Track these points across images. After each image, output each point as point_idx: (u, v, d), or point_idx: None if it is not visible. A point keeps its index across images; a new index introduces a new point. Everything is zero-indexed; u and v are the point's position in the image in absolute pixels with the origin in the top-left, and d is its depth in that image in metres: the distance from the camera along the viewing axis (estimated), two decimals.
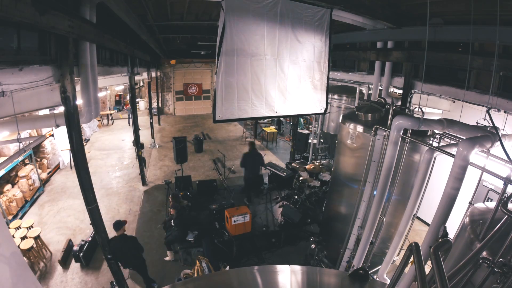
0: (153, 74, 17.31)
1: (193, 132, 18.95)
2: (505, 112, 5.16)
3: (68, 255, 7.14)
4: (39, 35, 4.04)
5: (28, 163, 9.88)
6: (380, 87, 8.70)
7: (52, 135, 11.86)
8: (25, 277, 3.74)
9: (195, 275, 5.92)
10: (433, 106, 7.91)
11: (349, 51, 10.03)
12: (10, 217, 8.10)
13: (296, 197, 9.61)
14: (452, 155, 3.56)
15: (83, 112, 5.24)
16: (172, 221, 7.52)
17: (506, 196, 2.95)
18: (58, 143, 12.23)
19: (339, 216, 6.59)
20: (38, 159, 10.92)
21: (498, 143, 3.87)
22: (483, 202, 4.06)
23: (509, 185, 3.17)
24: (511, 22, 4.59)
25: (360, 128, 5.65)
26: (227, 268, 6.73)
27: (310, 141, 13.14)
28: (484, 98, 5.31)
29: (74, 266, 7.00)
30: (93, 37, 4.85)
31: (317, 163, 11.68)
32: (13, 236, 6.46)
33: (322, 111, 7.49)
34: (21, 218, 8.43)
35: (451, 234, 3.81)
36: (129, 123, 19.64)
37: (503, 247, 2.53)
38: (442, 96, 6.72)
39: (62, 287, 6.40)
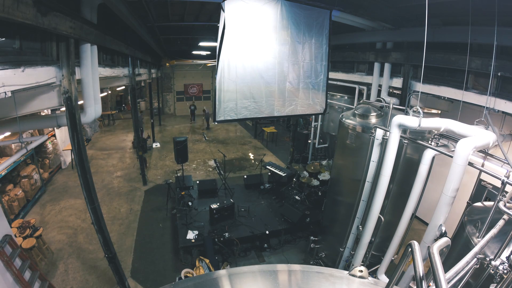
0: (153, 75, 17.33)
1: (194, 132, 18.99)
2: (503, 112, 5.18)
3: None
4: (41, 36, 4.07)
5: (30, 163, 9.91)
6: (379, 88, 8.72)
7: (54, 135, 11.89)
8: None
9: (196, 275, 5.96)
10: (431, 106, 7.95)
11: (349, 51, 10.06)
12: (12, 217, 8.13)
13: (296, 196, 9.65)
14: (451, 155, 3.58)
15: (84, 112, 5.28)
16: None
17: (505, 196, 2.98)
18: (59, 143, 12.27)
19: (338, 216, 6.62)
20: (40, 159, 10.95)
21: (496, 143, 3.90)
22: (482, 202, 4.09)
23: (507, 185, 3.19)
24: (509, 23, 4.61)
25: (359, 128, 5.68)
26: (228, 267, 6.77)
27: (309, 141, 13.16)
28: (482, 99, 5.34)
29: (76, 265, 7.03)
30: (94, 38, 4.88)
31: (317, 163, 11.71)
32: (15, 236, 6.49)
33: (322, 111, 7.54)
34: (22, 217, 8.47)
35: (450, 233, 3.84)
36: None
37: (501, 246, 2.56)
38: (441, 97, 6.75)
39: (64, 286, 6.43)
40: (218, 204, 8.33)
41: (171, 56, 18.32)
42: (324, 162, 12.04)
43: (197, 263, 6.50)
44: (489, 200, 4.75)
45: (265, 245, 7.92)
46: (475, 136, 3.63)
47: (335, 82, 10.75)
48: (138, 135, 11.46)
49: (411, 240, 1.44)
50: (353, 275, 1.82)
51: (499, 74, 4.98)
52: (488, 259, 2.47)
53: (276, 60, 6.36)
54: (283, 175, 10.22)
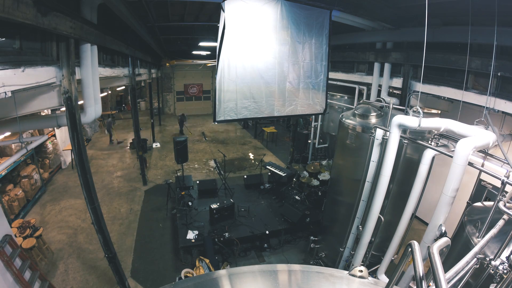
0: (154, 75, 17.34)
1: (194, 132, 18.99)
2: (503, 112, 5.18)
3: None
4: (41, 36, 4.07)
5: (30, 163, 9.92)
6: (379, 88, 8.73)
7: (54, 135, 11.90)
8: None
9: (196, 275, 5.96)
10: (431, 106, 7.95)
11: (349, 51, 10.07)
12: (12, 217, 8.13)
13: (296, 196, 9.66)
14: (451, 155, 3.58)
15: (84, 112, 5.28)
16: None
17: (504, 196, 2.98)
18: (59, 143, 12.28)
19: (338, 216, 6.62)
20: (40, 159, 10.95)
21: (496, 143, 3.90)
22: (482, 202, 4.09)
23: (507, 185, 3.19)
24: (509, 23, 4.61)
25: (359, 128, 5.68)
26: (228, 267, 6.77)
27: (309, 141, 13.16)
28: (482, 99, 5.34)
29: (76, 265, 7.03)
30: (94, 38, 4.88)
31: (317, 163, 11.72)
32: (15, 236, 6.50)
33: (322, 111, 7.54)
34: (23, 217, 8.47)
35: (450, 233, 3.84)
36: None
37: (501, 246, 2.56)
38: (441, 97, 6.75)
39: (64, 286, 6.44)
40: (218, 204, 8.34)
41: (171, 56, 18.32)
42: (324, 162, 12.04)
43: (197, 263, 6.50)
44: (489, 200, 4.76)
45: (265, 245, 7.92)
46: (475, 136, 3.63)
47: (335, 82, 10.75)
48: (139, 135, 11.46)
49: (411, 240, 1.44)
50: (353, 275, 1.82)
51: (499, 74, 4.98)
52: (488, 259, 2.47)
53: (276, 60, 6.35)
54: (283, 175, 10.23)
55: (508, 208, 2.77)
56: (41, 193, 10.15)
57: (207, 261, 6.49)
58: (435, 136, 4.38)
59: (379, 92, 8.69)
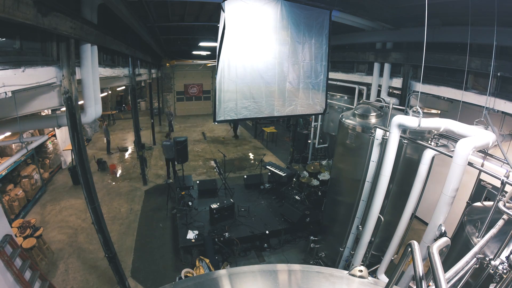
0: (154, 75, 17.33)
1: (194, 132, 18.97)
2: (502, 112, 5.19)
3: None
4: (41, 36, 4.08)
5: (30, 163, 9.92)
6: (379, 88, 8.73)
7: (54, 135, 11.90)
8: None
9: (196, 274, 5.97)
10: (431, 106, 7.95)
11: (348, 51, 10.07)
12: (12, 217, 8.14)
13: (296, 196, 9.66)
14: (450, 156, 3.59)
15: (84, 112, 5.29)
16: None
17: (504, 195, 2.99)
18: (60, 143, 12.28)
19: (338, 216, 6.63)
20: (40, 159, 10.95)
21: (496, 143, 3.90)
22: (481, 202, 4.10)
23: (506, 185, 3.20)
24: (509, 23, 4.62)
25: (359, 128, 5.69)
26: (228, 267, 6.78)
27: (309, 141, 13.16)
28: (482, 99, 5.34)
29: (76, 265, 7.04)
30: (94, 38, 4.88)
31: (317, 163, 11.72)
32: (15, 236, 6.50)
33: (322, 111, 7.54)
34: (23, 217, 8.47)
35: (450, 233, 3.85)
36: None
37: (500, 246, 2.56)
38: (440, 97, 6.76)
39: (64, 285, 6.44)
40: (218, 204, 8.33)
41: (171, 56, 18.32)
42: (324, 162, 12.04)
43: (197, 263, 6.50)
44: (489, 200, 4.76)
45: (265, 245, 7.93)
46: (474, 136, 3.63)
47: (335, 82, 10.75)
48: (139, 136, 11.46)
49: (411, 240, 1.44)
50: (353, 275, 1.83)
51: (498, 74, 4.99)
52: (487, 259, 2.47)
53: (276, 60, 6.36)
54: (283, 175, 10.23)
55: (508, 208, 2.78)
56: (41, 193, 10.15)
57: (207, 261, 6.50)
58: (435, 136, 4.38)
59: (379, 92, 8.69)
